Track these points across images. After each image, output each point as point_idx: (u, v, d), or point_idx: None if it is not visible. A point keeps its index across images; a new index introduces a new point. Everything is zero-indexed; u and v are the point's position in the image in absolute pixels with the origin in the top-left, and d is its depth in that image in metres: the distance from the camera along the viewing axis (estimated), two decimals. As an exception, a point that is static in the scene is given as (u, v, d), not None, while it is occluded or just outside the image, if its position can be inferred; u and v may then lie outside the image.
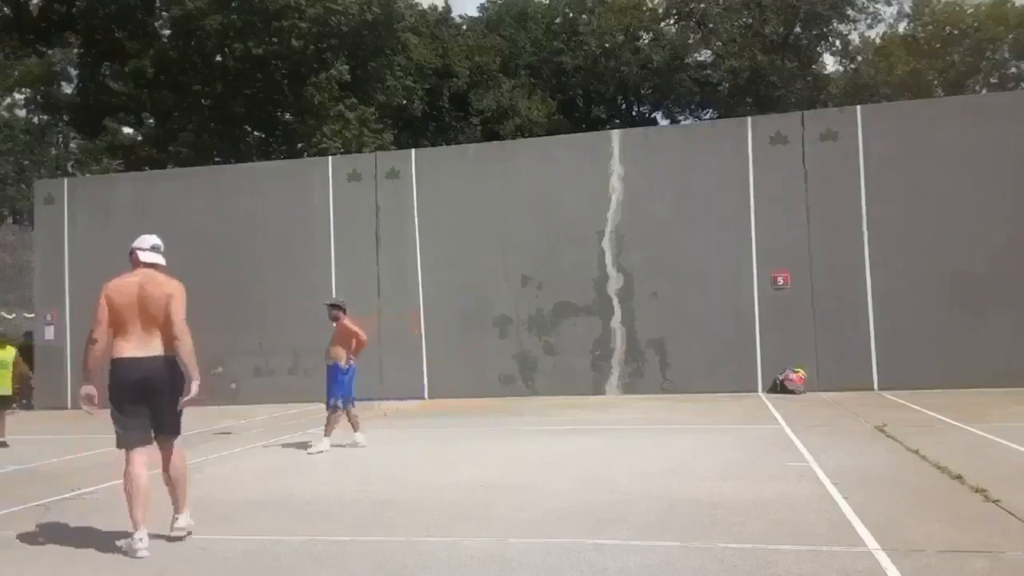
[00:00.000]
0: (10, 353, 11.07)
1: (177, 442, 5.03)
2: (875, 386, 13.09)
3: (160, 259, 5.24)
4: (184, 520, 5.03)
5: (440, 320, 15.05)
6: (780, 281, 13.76)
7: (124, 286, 5.01)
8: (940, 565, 4.05)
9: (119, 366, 4.86)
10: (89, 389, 4.90)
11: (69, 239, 16.53)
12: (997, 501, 5.25)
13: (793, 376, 13.21)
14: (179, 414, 4.98)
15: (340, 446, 8.81)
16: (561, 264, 14.60)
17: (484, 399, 13.99)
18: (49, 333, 16.30)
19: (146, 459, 4.89)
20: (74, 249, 16.49)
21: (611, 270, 14.51)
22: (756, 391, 13.56)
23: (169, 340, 4.88)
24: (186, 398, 4.87)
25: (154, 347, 4.90)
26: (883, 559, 4.15)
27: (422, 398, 14.75)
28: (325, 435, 8.72)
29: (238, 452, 8.84)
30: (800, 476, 6.37)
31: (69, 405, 15.87)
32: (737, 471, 6.69)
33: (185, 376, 4.87)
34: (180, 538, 4.95)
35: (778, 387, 13.33)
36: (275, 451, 9.03)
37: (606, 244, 14.55)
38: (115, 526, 5.45)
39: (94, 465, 8.47)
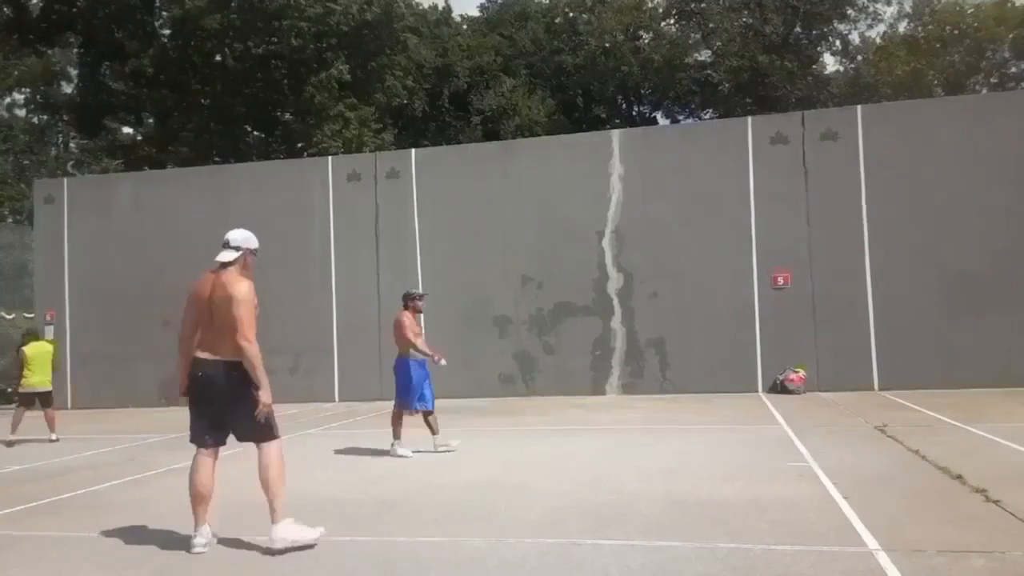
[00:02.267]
0: (49, 347, 11.43)
1: (270, 446, 4.75)
2: (875, 386, 13.09)
3: (227, 256, 4.88)
4: (278, 531, 4.65)
5: (440, 320, 15.03)
6: (780, 281, 13.75)
7: (200, 284, 4.87)
8: (940, 565, 4.04)
9: (192, 364, 4.81)
10: (182, 381, 4.89)
11: (69, 239, 16.53)
12: (997, 501, 5.24)
13: (793, 376, 13.20)
14: (252, 417, 4.68)
15: (337, 449, 8.81)
16: (561, 264, 14.59)
17: (484, 399, 14.00)
18: (48, 333, 16.27)
19: (207, 460, 4.85)
20: (74, 249, 16.49)
21: (611, 270, 14.51)
22: (756, 391, 13.55)
23: (234, 346, 4.65)
24: (258, 412, 4.65)
25: (219, 351, 4.71)
26: (883, 559, 4.14)
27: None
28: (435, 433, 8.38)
29: (238, 452, 8.81)
30: (800, 476, 6.37)
31: (70, 405, 15.87)
32: (737, 471, 6.69)
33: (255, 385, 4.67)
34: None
35: (778, 387, 13.32)
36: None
37: (606, 244, 14.54)
38: (116, 525, 5.46)
39: (95, 465, 8.47)
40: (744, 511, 5.27)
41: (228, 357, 4.69)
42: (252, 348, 4.63)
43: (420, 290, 8.35)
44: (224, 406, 4.75)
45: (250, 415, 4.67)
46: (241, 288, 4.72)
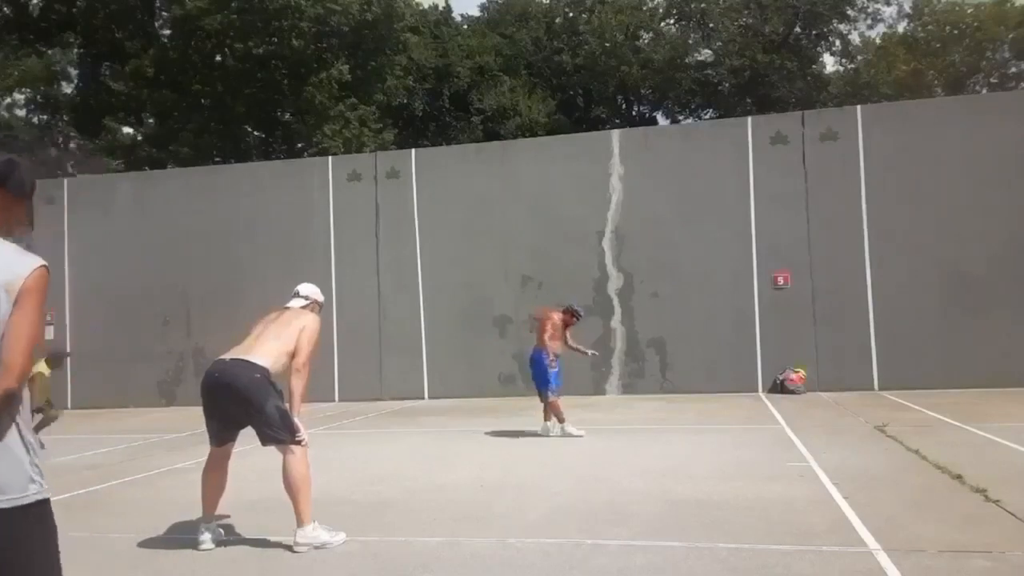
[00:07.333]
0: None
1: (291, 450, 4.75)
2: (875, 386, 13.09)
3: (297, 303, 5.34)
4: (302, 534, 4.70)
5: (440, 320, 15.05)
6: (780, 281, 13.75)
7: (271, 310, 5.28)
8: (940, 565, 4.04)
9: (212, 364, 4.96)
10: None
11: (69, 239, 16.52)
12: (997, 501, 5.24)
13: (793, 376, 13.21)
14: (276, 422, 4.69)
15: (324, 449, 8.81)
16: (561, 264, 14.59)
17: (484, 399, 13.99)
18: (49, 333, 16.28)
19: (215, 456, 4.98)
20: (74, 249, 16.49)
21: (611, 270, 14.51)
22: (756, 391, 13.55)
23: (278, 361, 4.81)
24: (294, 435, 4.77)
25: (252, 355, 4.77)
26: (883, 559, 4.15)
27: (422, 398, 14.75)
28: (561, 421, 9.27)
29: (238, 452, 8.82)
30: (800, 476, 6.37)
31: (70, 405, 15.86)
32: (737, 471, 6.69)
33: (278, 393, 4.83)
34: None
35: (778, 387, 13.33)
36: (274, 451, 9.01)
37: (606, 244, 14.54)
38: (117, 525, 5.46)
39: (95, 465, 8.47)
40: (744, 511, 5.27)
41: (254, 359, 4.74)
42: (305, 375, 4.85)
43: (579, 308, 9.84)
44: (242, 407, 4.72)
45: (267, 420, 4.69)
46: (312, 318, 5.10)
